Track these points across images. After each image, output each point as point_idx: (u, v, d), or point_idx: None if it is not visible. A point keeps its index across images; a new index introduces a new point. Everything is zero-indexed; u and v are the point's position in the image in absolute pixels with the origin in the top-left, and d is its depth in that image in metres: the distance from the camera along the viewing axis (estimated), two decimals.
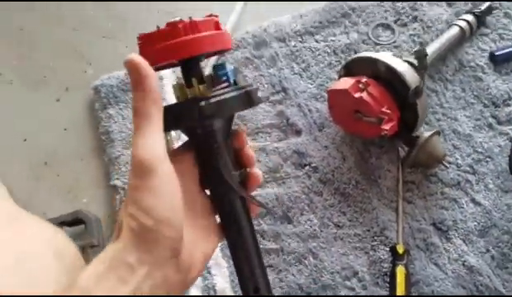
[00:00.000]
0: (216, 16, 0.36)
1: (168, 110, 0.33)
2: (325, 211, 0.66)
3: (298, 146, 0.71)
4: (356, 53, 0.77)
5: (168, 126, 0.33)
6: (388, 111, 0.59)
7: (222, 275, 0.63)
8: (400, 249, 0.61)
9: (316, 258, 0.63)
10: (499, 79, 0.72)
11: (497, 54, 0.73)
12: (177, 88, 0.36)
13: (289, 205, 0.67)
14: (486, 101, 0.71)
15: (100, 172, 0.76)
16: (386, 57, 0.62)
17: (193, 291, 0.63)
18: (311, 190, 0.68)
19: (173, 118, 0.33)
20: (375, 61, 0.62)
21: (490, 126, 0.69)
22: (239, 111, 0.37)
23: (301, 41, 0.80)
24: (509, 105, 0.71)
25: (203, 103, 0.33)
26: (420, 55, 0.58)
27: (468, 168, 0.66)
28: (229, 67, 0.36)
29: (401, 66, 0.60)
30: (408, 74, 0.60)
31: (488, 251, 0.61)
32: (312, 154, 0.70)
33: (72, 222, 0.69)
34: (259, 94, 0.38)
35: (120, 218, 0.30)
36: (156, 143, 0.30)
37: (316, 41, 0.80)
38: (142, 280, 0.28)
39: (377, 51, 0.73)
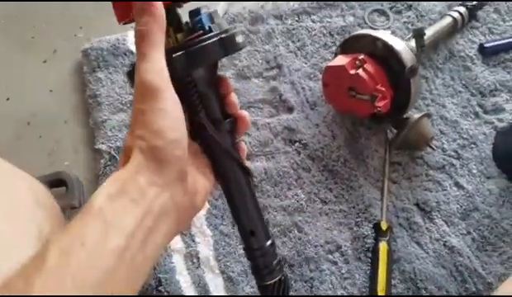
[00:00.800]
0: None
1: None
2: (312, 187, 0.66)
3: (289, 122, 0.71)
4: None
5: None
6: (383, 89, 0.60)
7: (206, 243, 0.63)
8: (384, 226, 0.62)
9: (301, 231, 0.63)
10: (487, 70, 0.74)
11: (486, 46, 0.75)
12: None
13: (277, 179, 0.67)
14: (474, 91, 0.73)
15: (83, 136, 0.74)
16: (384, 35, 0.62)
17: (176, 258, 0.62)
18: (300, 166, 0.68)
19: None
20: (373, 38, 0.63)
21: (476, 114, 0.71)
22: (217, 59, 0.36)
23: (297, 20, 0.80)
24: (495, 95, 0.72)
25: (175, 55, 0.32)
26: (418, 34, 0.59)
27: (453, 153, 0.68)
28: (204, 13, 0.34)
29: (399, 44, 0.61)
30: (404, 52, 0.60)
31: (469, 233, 0.63)
32: (303, 131, 0.70)
33: (53, 182, 0.67)
34: (241, 39, 0.35)
35: (128, 144, 0.30)
36: (163, 68, 0.30)
37: (313, 21, 0.80)
38: (153, 200, 0.29)
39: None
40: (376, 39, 0.62)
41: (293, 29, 0.79)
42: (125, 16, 0.33)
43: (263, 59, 0.77)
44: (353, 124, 0.70)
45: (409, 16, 0.79)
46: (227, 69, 0.76)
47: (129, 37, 0.78)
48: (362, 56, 0.62)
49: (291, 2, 0.82)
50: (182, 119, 0.31)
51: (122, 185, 0.29)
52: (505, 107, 0.72)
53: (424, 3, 0.81)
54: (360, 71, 0.61)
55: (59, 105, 0.77)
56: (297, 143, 0.69)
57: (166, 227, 0.31)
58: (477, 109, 0.71)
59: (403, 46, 0.61)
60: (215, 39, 0.33)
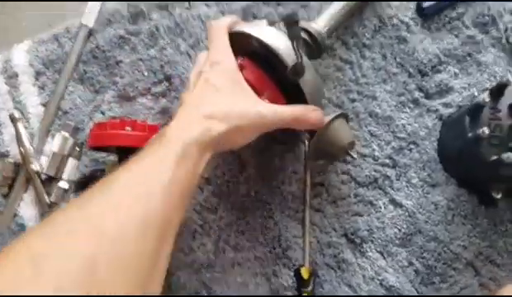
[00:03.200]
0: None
1: None
2: (221, 232, 0.55)
3: None
4: (256, 18, 0.61)
5: None
6: (267, 100, 0.45)
7: None
8: (306, 273, 0.50)
9: (211, 292, 0.53)
10: (427, 38, 0.58)
11: (425, 6, 0.58)
12: None
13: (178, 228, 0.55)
14: (412, 70, 0.57)
15: None
16: (260, 30, 0.46)
17: None
18: (204, 207, 0.56)
19: None
20: (248, 36, 0.46)
21: (415, 102, 0.56)
22: None
23: (187, 8, 0.63)
24: (439, 71, 0.57)
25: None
26: (290, 22, 0.42)
27: (387, 160, 0.54)
28: None
29: (278, 40, 0.45)
30: (286, 49, 0.44)
31: (411, 264, 0.51)
32: None
33: None
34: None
35: None
36: None
37: (207, 6, 0.63)
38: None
39: (269, 17, 0.57)
40: (249, 36, 0.46)
41: (183, 22, 0.62)
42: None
43: (148, 70, 0.61)
44: (266, 142, 0.56)
45: None
46: (105, 90, 0.61)
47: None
48: (240, 60, 0.46)
49: None
50: None
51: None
52: (453, 85, 0.56)
53: None
54: None
55: None
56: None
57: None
58: (417, 94, 0.56)
59: (284, 41, 0.45)
60: None
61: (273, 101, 0.45)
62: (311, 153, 0.53)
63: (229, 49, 0.45)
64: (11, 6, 0.69)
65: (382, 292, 0.51)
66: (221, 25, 0.46)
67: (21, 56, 0.64)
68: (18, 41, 0.65)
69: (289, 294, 0.52)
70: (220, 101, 0.41)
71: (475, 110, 0.48)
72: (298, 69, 0.44)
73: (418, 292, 0.50)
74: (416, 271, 0.51)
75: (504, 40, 0.58)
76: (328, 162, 0.55)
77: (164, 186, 0.34)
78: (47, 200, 0.57)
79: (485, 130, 0.45)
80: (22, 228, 0.58)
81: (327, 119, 0.50)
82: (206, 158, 0.40)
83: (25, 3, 0.69)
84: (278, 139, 0.56)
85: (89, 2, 0.64)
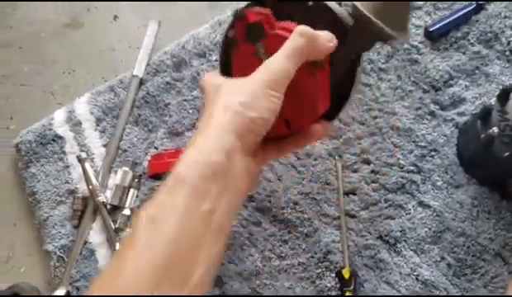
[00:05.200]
0: None
1: None
2: (266, 243, 0.61)
3: None
4: None
5: None
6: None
7: None
8: (346, 274, 0.56)
9: None
10: (437, 57, 0.65)
11: (432, 29, 0.65)
12: None
13: (228, 242, 0.62)
14: (425, 86, 0.64)
15: (34, 237, 0.72)
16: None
17: None
18: (249, 222, 0.62)
19: None
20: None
21: (432, 114, 0.62)
22: None
23: None
24: (451, 85, 0.63)
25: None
26: None
27: (412, 167, 0.60)
28: None
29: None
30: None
31: (443, 259, 0.56)
32: None
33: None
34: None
35: None
36: None
37: None
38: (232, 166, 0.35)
39: None
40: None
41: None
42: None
43: (192, 108, 0.71)
44: (298, 158, 0.64)
45: None
46: (157, 129, 0.70)
47: (55, 119, 0.74)
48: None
49: (213, 34, 0.74)
50: None
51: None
52: (465, 96, 0.62)
53: None
54: None
55: (5, 207, 0.75)
56: None
57: (241, 186, 0.35)
58: (432, 107, 0.63)
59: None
60: None
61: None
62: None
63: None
64: (70, 67, 0.81)
65: (419, 286, 0.55)
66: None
67: (82, 107, 0.74)
68: (79, 95, 0.76)
69: (333, 294, 0.57)
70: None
71: (485, 114, 0.54)
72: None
73: (452, 284, 0.54)
74: (449, 265, 0.55)
75: (508, 52, 0.64)
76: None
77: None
78: (113, 227, 0.66)
79: (495, 130, 0.51)
80: (92, 253, 0.66)
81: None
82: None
83: (80, 65, 0.80)
84: (308, 153, 0.63)
85: (138, 56, 0.76)
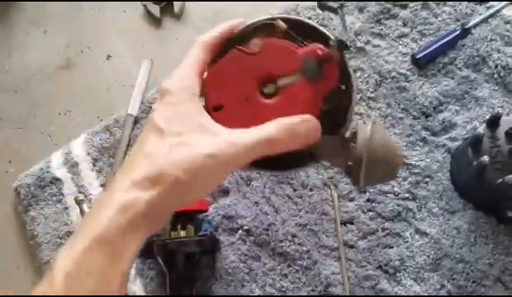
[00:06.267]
0: None
1: None
2: (266, 277, 0.61)
3: (227, 210, 0.65)
4: None
5: None
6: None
7: None
8: None
9: None
10: (425, 84, 0.66)
11: (419, 56, 0.66)
12: None
13: (228, 279, 0.62)
14: (416, 113, 0.65)
15: (39, 278, 0.72)
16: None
17: None
18: (248, 256, 0.63)
19: None
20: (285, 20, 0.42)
21: (423, 140, 0.63)
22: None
23: None
24: (441, 111, 0.64)
25: None
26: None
27: (407, 194, 0.61)
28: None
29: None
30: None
31: (443, 286, 0.56)
32: (242, 214, 0.65)
33: None
34: None
35: None
36: None
37: None
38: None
39: None
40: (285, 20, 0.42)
41: None
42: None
43: None
44: (294, 190, 0.64)
45: None
46: None
47: (52, 162, 0.75)
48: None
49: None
50: None
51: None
52: (456, 121, 0.63)
53: None
54: None
55: (8, 250, 0.75)
56: (240, 231, 0.64)
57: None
58: (424, 133, 0.63)
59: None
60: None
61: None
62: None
63: (193, 72, 0.36)
64: (66, 108, 0.82)
65: None
66: (200, 41, 0.38)
67: (79, 148, 0.75)
68: (76, 136, 0.77)
69: None
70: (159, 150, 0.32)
71: (475, 142, 0.55)
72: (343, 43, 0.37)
73: None
74: (449, 293, 0.55)
75: (496, 75, 0.65)
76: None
77: None
78: None
79: (486, 158, 0.51)
80: None
81: (364, 129, 0.38)
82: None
83: (75, 105, 0.81)
84: (305, 184, 0.64)
85: (132, 95, 0.77)
